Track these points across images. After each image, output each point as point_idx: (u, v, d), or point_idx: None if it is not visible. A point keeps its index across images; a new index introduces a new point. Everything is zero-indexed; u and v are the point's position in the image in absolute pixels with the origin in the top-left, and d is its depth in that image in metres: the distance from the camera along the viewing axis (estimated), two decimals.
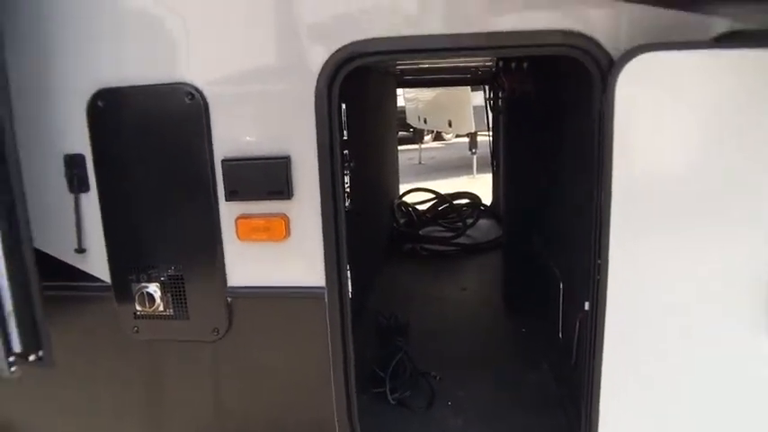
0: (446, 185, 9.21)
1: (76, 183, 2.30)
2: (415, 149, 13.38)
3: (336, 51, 2.04)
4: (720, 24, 1.92)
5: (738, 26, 1.91)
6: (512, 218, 4.14)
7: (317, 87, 2.05)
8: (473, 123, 10.35)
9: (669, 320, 2.05)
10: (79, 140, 2.26)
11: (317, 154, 2.11)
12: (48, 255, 2.33)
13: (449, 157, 13.98)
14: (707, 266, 2.00)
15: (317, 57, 2.05)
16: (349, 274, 2.27)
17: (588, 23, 1.96)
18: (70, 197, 2.32)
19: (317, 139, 2.09)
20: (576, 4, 1.96)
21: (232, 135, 2.16)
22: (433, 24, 2.03)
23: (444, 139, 16.20)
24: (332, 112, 2.09)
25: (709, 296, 2.02)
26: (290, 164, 2.13)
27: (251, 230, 2.20)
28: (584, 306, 2.20)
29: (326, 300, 2.23)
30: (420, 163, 13.10)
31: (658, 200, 1.96)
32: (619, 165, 1.93)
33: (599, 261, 2.03)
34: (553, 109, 3.08)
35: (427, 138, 15.24)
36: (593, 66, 1.98)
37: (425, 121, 12.15)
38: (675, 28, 1.92)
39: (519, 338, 3.55)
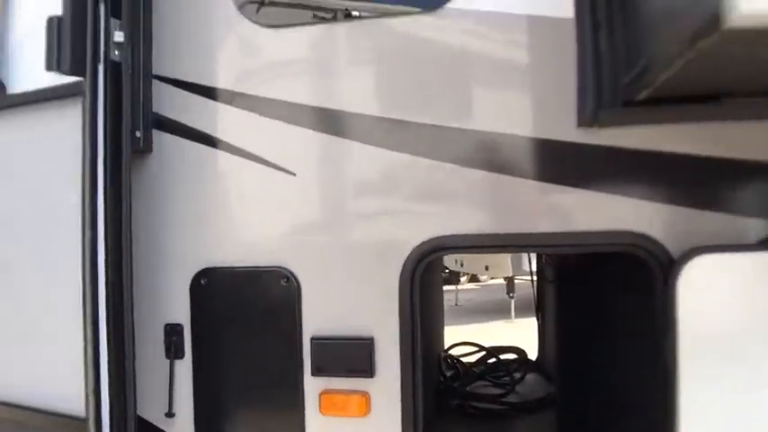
0: (485, 330, 9.20)
1: (173, 350, 2.51)
2: (452, 290, 13.49)
3: (420, 244, 2.28)
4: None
5: None
6: (565, 381, 4.14)
7: (400, 277, 2.28)
8: (510, 268, 10.50)
9: None
10: (180, 311, 2.51)
11: (399, 336, 2.29)
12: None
13: (486, 298, 14.01)
14: None
15: (402, 250, 2.29)
16: None
17: (649, 225, 2.17)
18: (165, 363, 2.52)
19: (400, 323, 2.28)
20: (638, 207, 2.18)
21: (321, 316, 2.38)
22: (507, 223, 2.28)
23: (480, 280, 16.34)
24: (413, 297, 2.29)
25: None
26: (373, 345, 2.31)
27: (333, 406, 2.34)
28: None
29: None
30: (456, 304, 13.15)
31: (726, 381, 2.04)
32: (683, 349, 2.04)
33: None
34: (605, 276, 3.23)
35: (463, 279, 15.41)
36: (655, 263, 2.17)
37: (462, 265, 12.32)
38: (726, 228, 2.13)
39: None
